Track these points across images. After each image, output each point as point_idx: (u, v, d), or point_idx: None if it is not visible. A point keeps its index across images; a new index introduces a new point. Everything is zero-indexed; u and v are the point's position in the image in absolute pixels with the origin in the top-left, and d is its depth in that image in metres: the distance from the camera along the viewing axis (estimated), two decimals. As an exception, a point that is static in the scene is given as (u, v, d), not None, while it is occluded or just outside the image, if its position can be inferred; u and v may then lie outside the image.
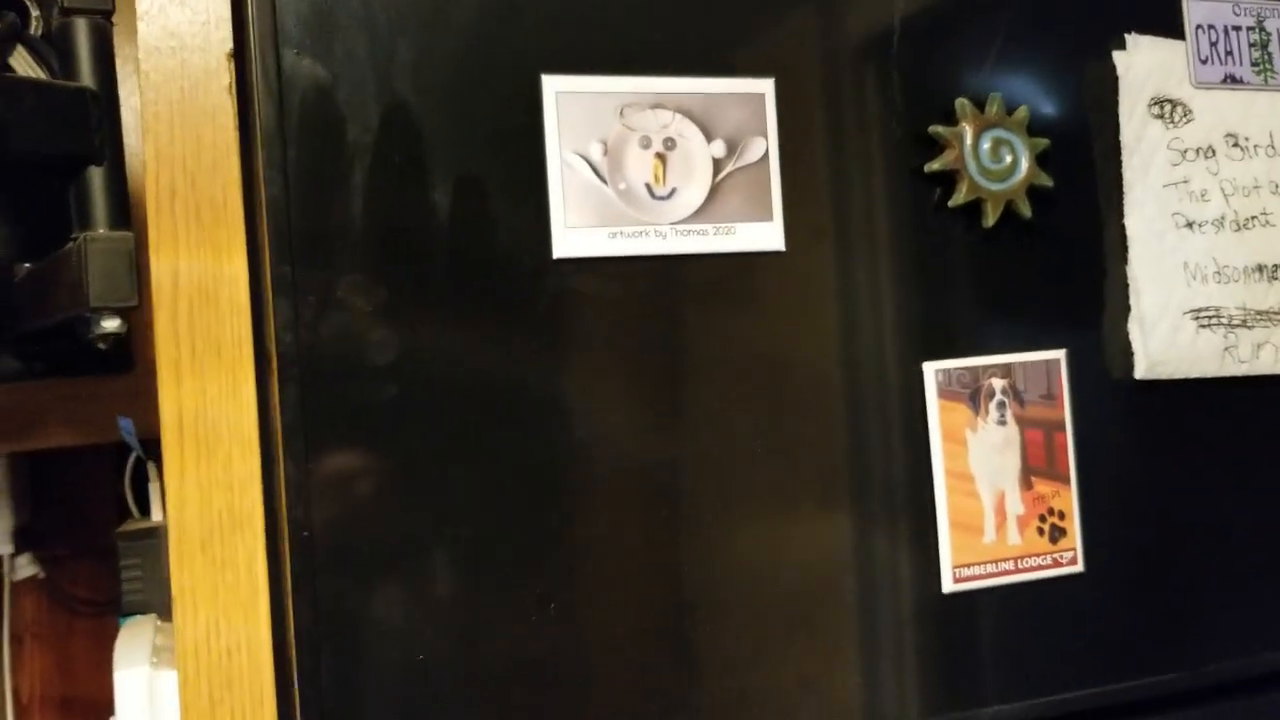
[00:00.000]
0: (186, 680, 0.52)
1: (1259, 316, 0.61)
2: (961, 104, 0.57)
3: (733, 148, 0.53)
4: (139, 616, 0.72)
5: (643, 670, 0.53)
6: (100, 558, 1.08)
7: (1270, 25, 0.63)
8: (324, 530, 0.50)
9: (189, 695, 0.52)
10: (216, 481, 0.52)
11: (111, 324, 0.56)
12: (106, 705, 0.61)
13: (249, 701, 0.52)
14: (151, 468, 0.84)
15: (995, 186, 0.57)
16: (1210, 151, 0.61)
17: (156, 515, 0.85)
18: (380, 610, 0.50)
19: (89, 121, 0.55)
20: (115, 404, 0.91)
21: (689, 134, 0.52)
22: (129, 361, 0.92)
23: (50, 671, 1.15)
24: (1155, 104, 0.60)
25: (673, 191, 0.52)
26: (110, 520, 1.00)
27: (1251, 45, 0.62)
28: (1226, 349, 0.61)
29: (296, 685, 0.50)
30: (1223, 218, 0.61)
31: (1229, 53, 0.62)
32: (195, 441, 0.52)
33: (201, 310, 0.51)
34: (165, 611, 0.68)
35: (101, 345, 0.58)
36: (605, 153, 0.51)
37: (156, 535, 0.75)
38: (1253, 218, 0.61)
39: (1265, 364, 0.62)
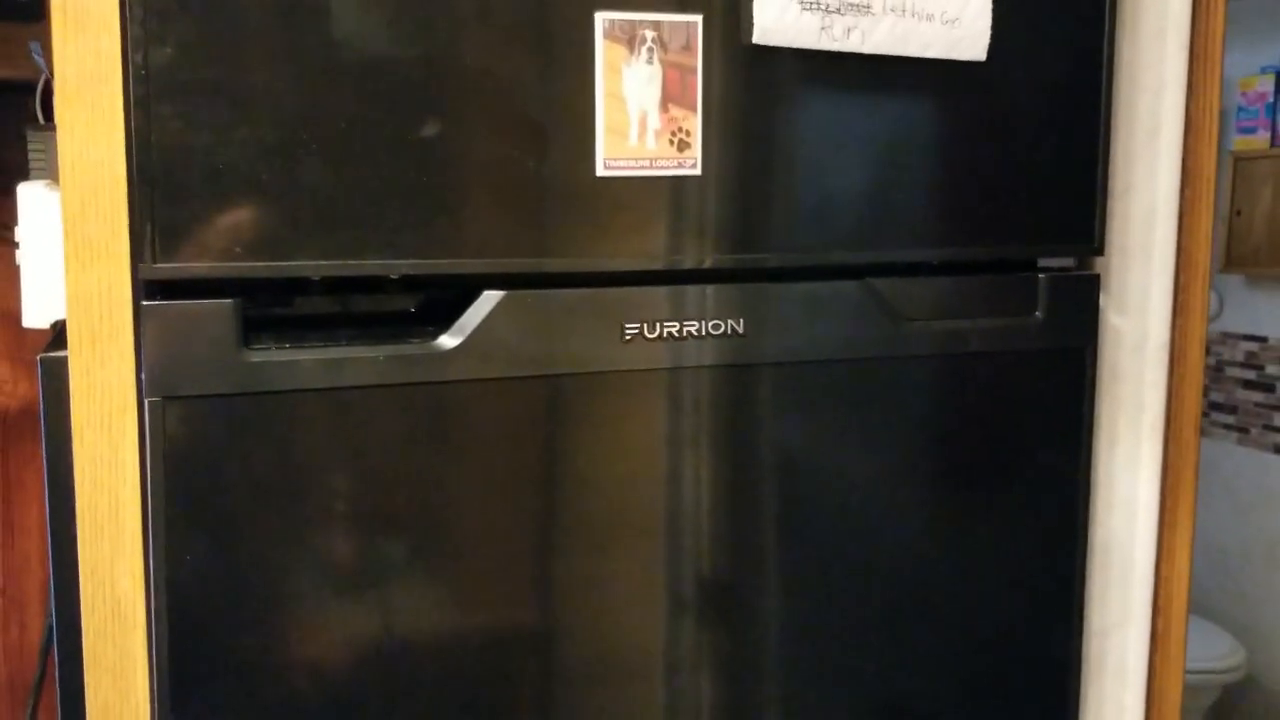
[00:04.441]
0: (65, 183, 0.77)
1: (850, 6, 0.86)
2: None
3: None
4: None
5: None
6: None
7: None
8: (157, 68, 0.74)
9: (67, 196, 0.77)
10: (88, 50, 0.76)
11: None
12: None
13: (108, 203, 0.77)
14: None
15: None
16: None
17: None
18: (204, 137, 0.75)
19: None
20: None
21: None
22: (40, 11, 1.14)
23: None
24: None
25: None
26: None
27: None
28: (823, 28, 0.86)
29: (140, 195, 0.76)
30: (830, -68, 0.85)
31: None
32: (76, 16, 0.76)
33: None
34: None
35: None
36: None
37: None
38: (855, -65, 0.85)
39: (853, 43, 0.87)
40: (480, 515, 0.84)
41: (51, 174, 0.95)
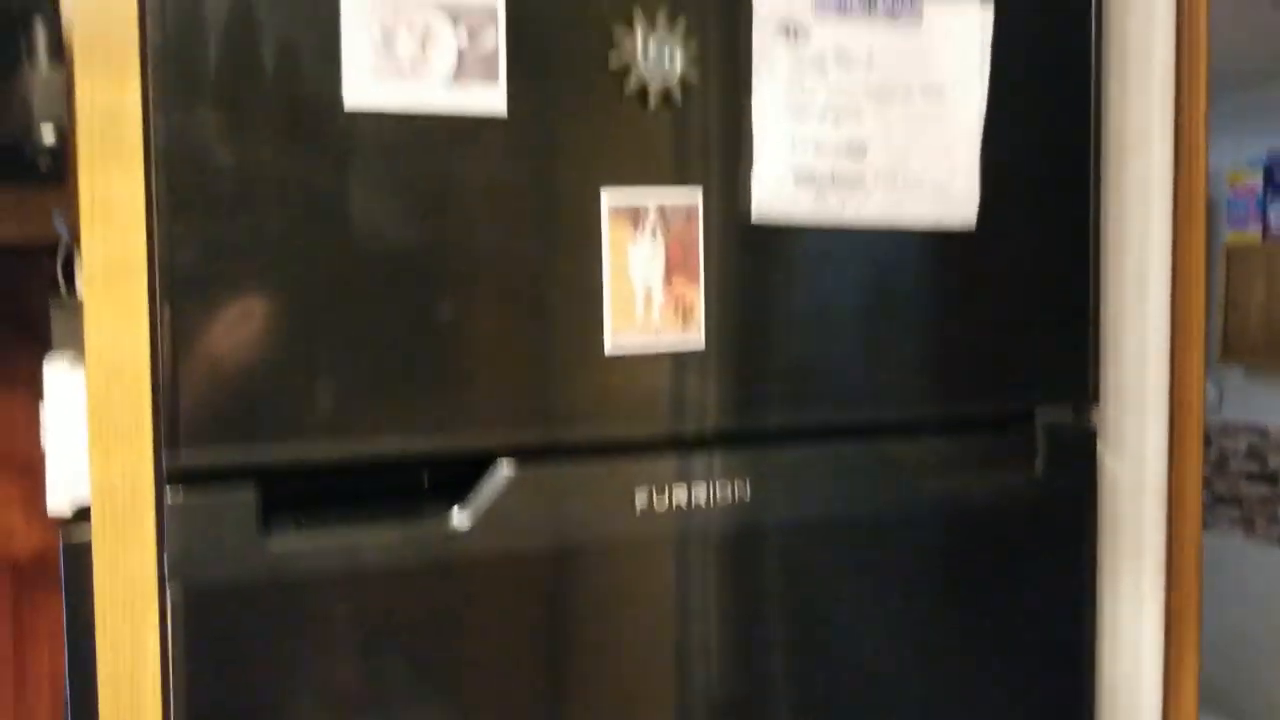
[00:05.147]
0: (90, 372, 0.79)
1: (843, 180, 0.89)
2: (635, 11, 0.84)
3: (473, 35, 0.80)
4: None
5: (392, 382, 0.81)
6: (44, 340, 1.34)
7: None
8: (183, 262, 0.77)
9: (93, 385, 0.79)
10: (115, 242, 0.79)
11: (49, 138, 0.82)
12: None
13: (133, 392, 0.80)
14: (77, 252, 1.10)
15: (655, 78, 0.84)
16: (821, 63, 0.88)
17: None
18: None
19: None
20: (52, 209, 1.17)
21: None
22: (63, 175, 1.18)
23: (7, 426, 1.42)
24: (783, 28, 0.87)
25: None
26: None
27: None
28: (817, 200, 0.89)
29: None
30: (825, 110, 0.89)
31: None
32: (104, 209, 0.79)
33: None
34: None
35: (42, 163, 0.85)
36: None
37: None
38: (848, 113, 0.89)
39: (848, 216, 0.90)
40: (500, 690, 0.85)
41: (74, 344, 0.98)
